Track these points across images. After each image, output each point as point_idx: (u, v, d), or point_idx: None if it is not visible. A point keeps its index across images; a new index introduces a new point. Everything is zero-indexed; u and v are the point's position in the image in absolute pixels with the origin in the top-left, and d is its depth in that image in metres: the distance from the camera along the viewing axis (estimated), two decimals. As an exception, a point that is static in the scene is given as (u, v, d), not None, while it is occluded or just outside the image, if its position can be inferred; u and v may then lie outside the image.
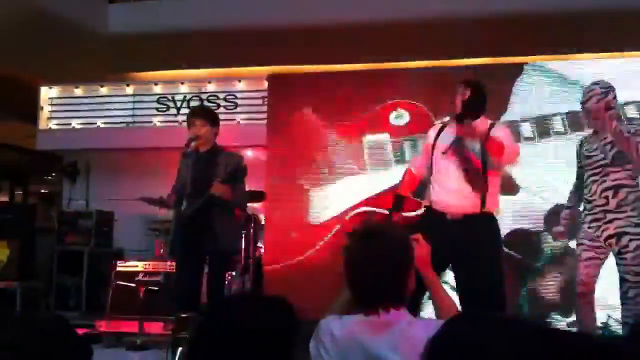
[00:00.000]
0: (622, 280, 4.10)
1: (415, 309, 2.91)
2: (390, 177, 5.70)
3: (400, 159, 5.84)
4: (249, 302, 1.39)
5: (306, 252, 5.92)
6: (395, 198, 4.25)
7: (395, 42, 6.13)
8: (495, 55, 6.03)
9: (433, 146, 3.88)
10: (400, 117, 5.93)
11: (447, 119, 4.15)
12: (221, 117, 5.08)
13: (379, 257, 2.05)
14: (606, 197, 4.12)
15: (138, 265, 5.90)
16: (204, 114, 4.77)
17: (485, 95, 3.86)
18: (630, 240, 4.07)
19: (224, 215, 4.55)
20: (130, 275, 5.75)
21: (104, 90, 7.36)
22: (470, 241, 3.76)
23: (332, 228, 5.92)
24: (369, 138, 5.97)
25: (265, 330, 1.31)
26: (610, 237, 4.10)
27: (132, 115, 7.23)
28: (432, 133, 3.99)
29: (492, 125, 3.80)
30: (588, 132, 4.66)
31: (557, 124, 5.20)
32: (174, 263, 5.00)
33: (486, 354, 1.13)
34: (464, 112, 3.73)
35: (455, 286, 3.88)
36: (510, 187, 5.08)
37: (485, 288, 3.78)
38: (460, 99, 3.78)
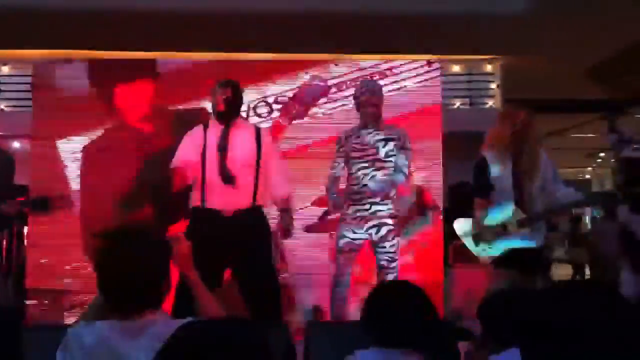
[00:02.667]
0: (381, 268, 4.36)
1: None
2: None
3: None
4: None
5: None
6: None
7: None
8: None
9: (204, 145, 3.94)
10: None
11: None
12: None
13: (131, 259, 1.97)
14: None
15: None
16: None
17: (242, 95, 4.12)
18: (389, 230, 4.33)
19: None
20: None
21: None
22: (243, 238, 3.79)
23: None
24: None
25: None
26: (372, 227, 4.32)
27: None
28: (197, 132, 4.04)
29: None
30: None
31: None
32: None
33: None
34: (226, 111, 3.94)
35: (239, 286, 3.86)
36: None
37: (269, 287, 3.86)
38: (222, 98, 3.94)
